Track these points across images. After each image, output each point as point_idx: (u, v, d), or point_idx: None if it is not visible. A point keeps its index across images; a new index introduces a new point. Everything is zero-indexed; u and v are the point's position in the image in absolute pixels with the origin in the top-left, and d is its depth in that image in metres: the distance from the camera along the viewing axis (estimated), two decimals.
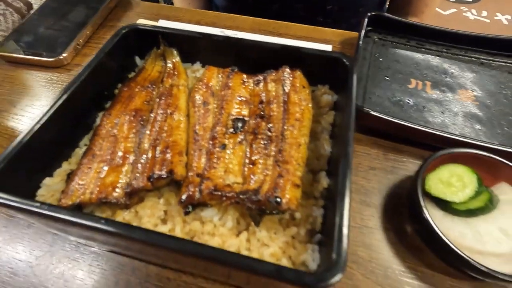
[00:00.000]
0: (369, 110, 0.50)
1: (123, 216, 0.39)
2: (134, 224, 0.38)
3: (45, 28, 0.72)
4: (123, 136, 0.44)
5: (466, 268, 0.38)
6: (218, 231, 0.38)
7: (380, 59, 0.64)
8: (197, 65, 0.56)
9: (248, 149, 0.42)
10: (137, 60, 0.57)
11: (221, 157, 0.41)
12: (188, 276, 0.41)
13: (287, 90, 0.46)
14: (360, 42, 0.61)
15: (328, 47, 0.68)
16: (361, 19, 0.66)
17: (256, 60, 0.51)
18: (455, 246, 0.37)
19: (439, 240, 0.37)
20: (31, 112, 0.60)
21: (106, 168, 0.41)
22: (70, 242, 0.44)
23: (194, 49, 0.55)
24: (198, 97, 0.48)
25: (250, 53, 0.52)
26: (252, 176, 0.39)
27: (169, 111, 0.46)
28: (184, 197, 0.38)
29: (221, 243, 0.37)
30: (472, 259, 0.36)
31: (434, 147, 0.46)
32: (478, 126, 0.53)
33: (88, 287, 0.41)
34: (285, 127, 0.43)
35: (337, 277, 0.28)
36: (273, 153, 0.41)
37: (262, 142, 0.42)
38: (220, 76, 0.51)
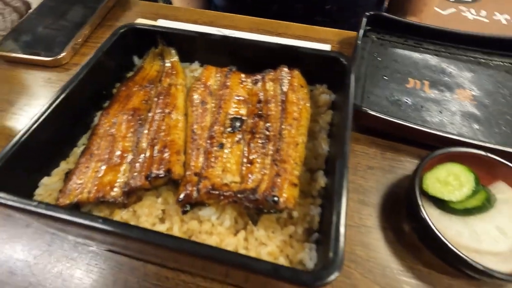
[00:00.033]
0: (367, 109, 0.50)
1: (121, 215, 0.39)
2: (132, 223, 0.38)
3: (44, 28, 0.72)
4: (121, 135, 0.44)
5: (463, 267, 0.38)
6: (216, 230, 0.38)
7: (379, 59, 0.64)
8: (195, 65, 0.56)
9: (246, 148, 0.42)
10: (135, 59, 0.57)
11: (219, 156, 0.41)
12: (187, 275, 0.41)
13: (285, 90, 0.46)
14: (359, 42, 0.61)
15: (326, 47, 0.68)
16: (360, 19, 0.66)
17: (254, 59, 0.51)
18: (452, 245, 0.37)
19: (437, 239, 0.38)
20: (29, 111, 0.60)
21: (104, 167, 0.41)
22: (68, 241, 0.44)
23: (192, 48, 0.55)
24: (196, 97, 0.48)
25: (248, 53, 0.53)
26: (250, 175, 0.39)
27: (167, 111, 0.46)
28: (182, 196, 0.38)
29: (219, 242, 0.37)
30: (469, 258, 0.36)
31: (432, 147, 0.46)
32: (475, 126, 0.53)
33: (86, 286, 0.41)
34: (283, 126, 0.43)
35: (334, 276, 0.28)
36: (271, 152, 0.41)
37: (260, 141, 0.42)
38: (218, 75, 0.51)
